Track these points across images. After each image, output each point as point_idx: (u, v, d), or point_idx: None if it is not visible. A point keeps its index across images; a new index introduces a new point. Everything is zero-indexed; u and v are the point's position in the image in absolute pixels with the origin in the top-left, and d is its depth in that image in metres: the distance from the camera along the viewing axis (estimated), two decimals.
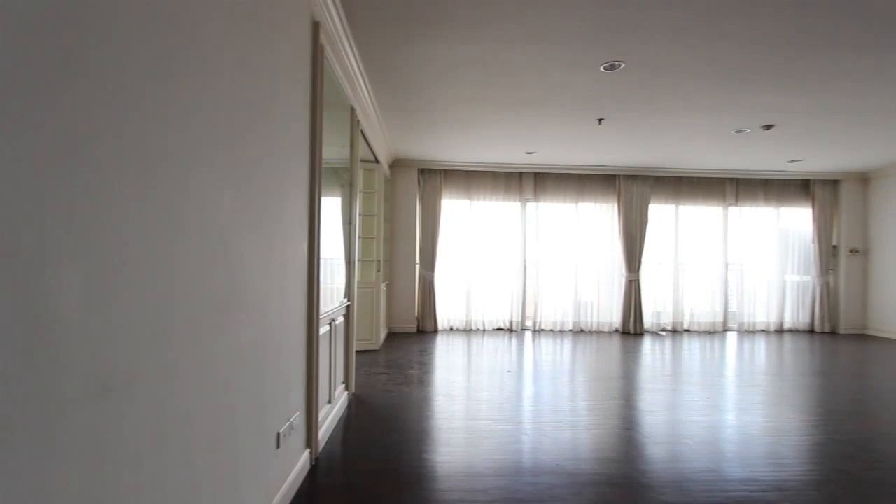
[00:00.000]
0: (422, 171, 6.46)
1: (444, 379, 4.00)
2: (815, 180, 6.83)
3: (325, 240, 2.62)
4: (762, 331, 6.88)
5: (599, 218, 6.69)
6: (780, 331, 6.89)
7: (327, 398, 2.74)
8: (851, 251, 6.87)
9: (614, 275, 6.68)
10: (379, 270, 5.06)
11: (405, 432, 2.75)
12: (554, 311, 6.67)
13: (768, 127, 4.50)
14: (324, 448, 2.49)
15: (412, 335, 6.09)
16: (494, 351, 5.20)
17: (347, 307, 3.32)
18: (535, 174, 6.59)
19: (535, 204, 6.64)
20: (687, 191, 6.79)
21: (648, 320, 6.74)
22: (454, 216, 6.58)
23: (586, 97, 3.78)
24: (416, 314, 6.46)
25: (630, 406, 3.34)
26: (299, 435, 2.14)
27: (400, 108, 4.15)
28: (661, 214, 6.81)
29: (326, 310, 2.67)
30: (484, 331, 6.50)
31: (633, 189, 6.56)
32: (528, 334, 6.32)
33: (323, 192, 2.47)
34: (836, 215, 6.89)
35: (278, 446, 1.83)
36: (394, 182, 6.36)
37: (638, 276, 6.55)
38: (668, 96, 3.74)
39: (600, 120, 4.33)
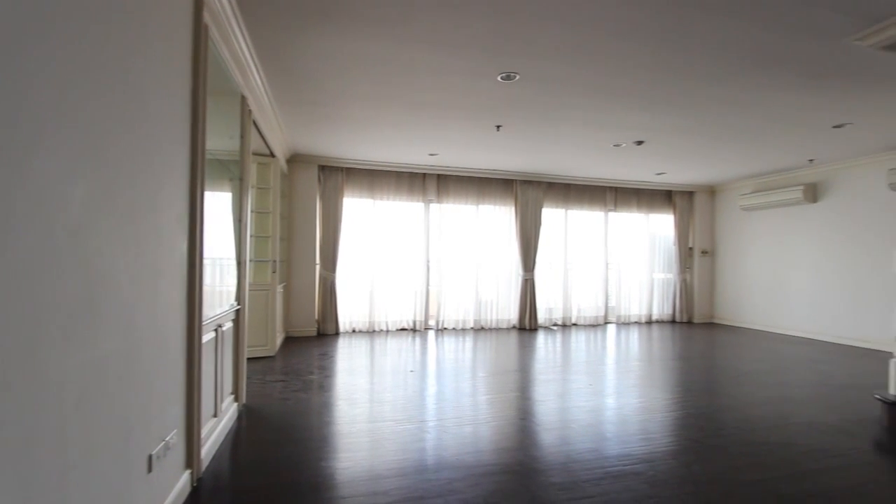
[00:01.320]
0: (322, 168, 6.22)
1: (346, 382, 3.88)
2: (675, 191, 7.90)
3: (210, 238, 2.39)
4: (636, 322, 7.78)
5: (498, 220, 7.02)
6: (649, 322, 7.85)
7: (213, 412, 2.50)
8: (703, 252, 8.07)
9: (512, 274, 7.06)
10: (275, 271, 4.75)
11: (302, 441, 2.61)
12: (456, 309, 6.85)
13: (640, 143, 5.11)
14: (208, 467, 2.27)
15: (312, 339, 5.83)
16: (398, 351, 5.19)
17: (237, 311, 3.07)
18: (439, 176, 6.71)
19: (438, 205, 6.76)
20: (575, 196, 7.43)
21: (542, 316, 7.24)
22: (357, 215, 6.44)
23: (485, 104, 3.94)
24: (317, 317, 6.19)
25: (525, 397, 3.55)
26: (177, 455, 1.92)
27: (298, 101, 3.94)
28: (553, 218, 7.36)
29: (212, 314, 2.43)
30: (387, 331, 6.45)
31: (528, 193, 7.00)
32: (431, 333, 6.41)
33: (208, 186, 2.25)
34: (692, 221, 8.04)
35: (150, 470, 1.62)
36: (292, 178, 6.03)
37: (533, 275, 7.00)
38: (558, 109, 4.04)
39: (498, 127, 4.54)
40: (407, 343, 5.69)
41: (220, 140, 2.68)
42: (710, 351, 5.51)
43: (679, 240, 7.89)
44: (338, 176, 6.23)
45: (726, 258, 7.84)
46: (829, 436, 2.79)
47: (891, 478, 2.31)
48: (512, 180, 7.00)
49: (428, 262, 6.73)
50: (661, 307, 7.97)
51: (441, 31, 2.70)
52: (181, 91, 1.90)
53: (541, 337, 6.30)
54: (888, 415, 2.99)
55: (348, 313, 6.40)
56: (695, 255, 8.03)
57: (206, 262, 2.20)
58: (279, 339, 5.23)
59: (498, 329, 6.90)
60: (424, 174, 6.64)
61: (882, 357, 4.28)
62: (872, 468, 2.38)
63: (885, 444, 2.70)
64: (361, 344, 5.57)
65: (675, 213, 7.89)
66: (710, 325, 7.62)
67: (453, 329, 6.78)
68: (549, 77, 3.36)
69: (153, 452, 1.64)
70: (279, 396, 3.44)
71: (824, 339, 6.11)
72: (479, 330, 6.80)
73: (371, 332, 6.37)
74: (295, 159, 6.01)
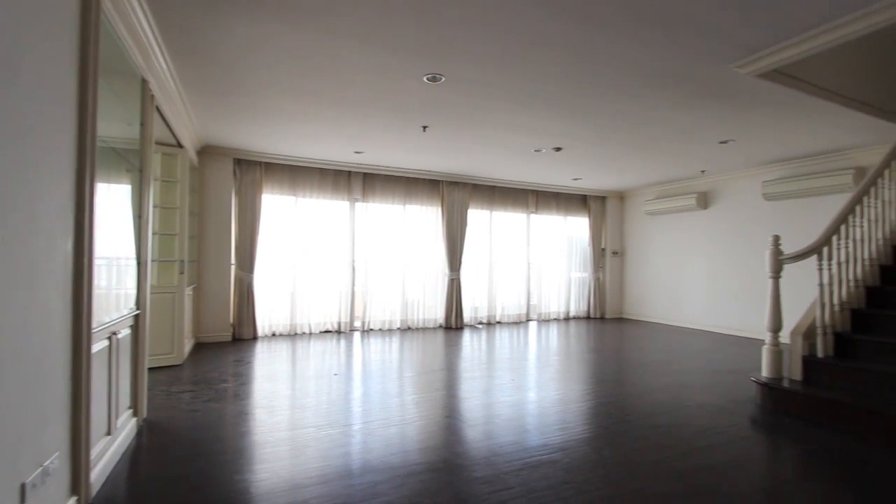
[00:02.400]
0: (239, 162, 5.83)
1: (264, 389, 3.67)
2: (590, 196, 8.47)
3: (104, 235, 2.14)
4: (555, 319, 8.22)
5: (425, 220, 7.05)
6: (567, 318, 8.33)
7: (105, 429, 2.24)
8: (613, 253, 8.73)
9: (438, 274, 7.13)
10: (182, 272, 4.37)
11: (214, 455, 2.42)
12: (383, 310, 6.78)
13: (558, 149, 5.40)
14: (100, 491, 2.03)
15: (226, 344, 5.44)
16: (321, 354, 5.01)
17: (137, 316, 2.78)
18: (365, 174, 6.59)
19: (364, 204, 6.64)
20: (499, 198, 7.68)
21: (468, 315, 7.39)
22: (277, 213, 6.12)
23: (412, 104, 3.94)
24: (232, 320, 5.80)
25: (451, 395, 3.60)
26: (60, 480, 1.69)
27: (211, 90, 3.66)
28: (479, 219, 7.55)
29: (105, 321, 2.17)
30: (310, 334, 6.21)
31: (454, 194, 7.11)
32: (356, 335, 6.28)
33: (101, 177, 2.02)
34: (604, 224, 8.66)
35: (23, 501, 1.41)
36: (203, 171, 5.58)
37: (459, 274, 7.12)
38: (482, 113, 4.15)
39: (425, 127, 4.56)
40: (331, 345, 5.51)
41: (116, 126, 2.40)
42: (619, 344, 5.97)
43: (593, 241, 8.47)
44: (256, 171, 5.88)
45: (633, 258, 8.56)
46: (715, 415, 3.15)
47: (761, 448, 2.66)
48: (439, 181, 7.07)
49: (353, 262, 6.59)
50: (577, 304, 8.50)
51: (366, 27, 2.65)
52: (65, 69, 1.67)
53: (467, 335, 6.43)
54: (761, 394, 3.45)
55: (268, 316, 6.07)
56: (607, 255, 8.66)
57: (98, 262, 1.96)
58: (188, 346, 4.82)
59: (425, 328, 6.93)
60: (350, 172, 6.49)
61: (761, 345, 4.89)
62: (748, 442, 2.72)
63: (758, 420, 3.09)
64: (282, 348, 5.31)
65: (589, 217, 8.45)
66: (620, 320, 8.27)
67: (380, 330, 6.70)
68: (474, 81, 3.44)
69: (27, 481, 1.43)
70: (187, 408, 3.16)
71: (715, 331, 6.89)
72: (406, 330, 6.78)
73: (293, 336, 6.09)
74: (207, 151, 5.58)
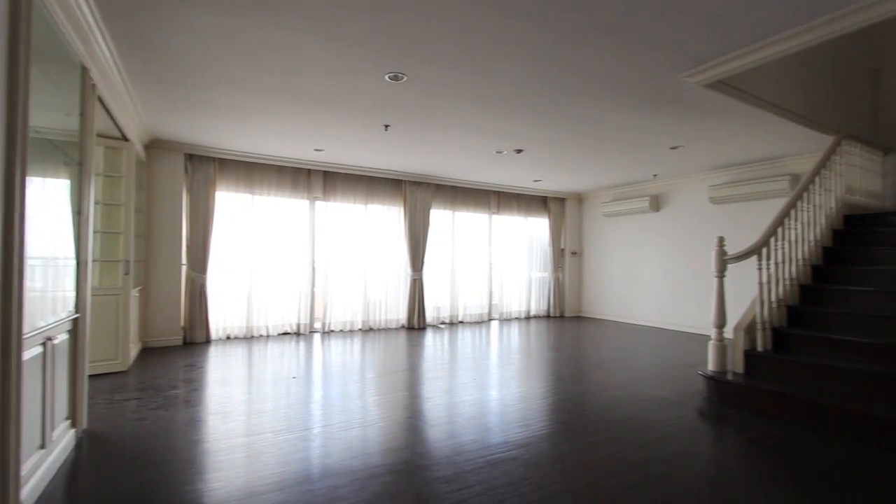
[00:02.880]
0: (190, 158, 5.57)
1: (219, 395, 3.52)
2: (550, 197, 8.67)
3: (37, 233, 1.98)
4: (516, 318, 8.35)
5: (388, 220, 6.99)
6: (528, 317, 8.49)
7: (39, 442, 2.08)
8: (572, 253, 8.98)
9: (401, 274, 7.09)
10: (128, 273, 4.13)
11: (163, 465, 2.30)
12: (344, 311, 6.66)
13: (519, 151, 5.50)
14: None
15: (177, 349, 5.18)
16: (280, 357, 4.86)
17: (76, 321, 2.60)
18: (325, 172, 6.46)
19: (324, 203, 6.50)
20: (462, 199, 7.72)
21: (430, 315, 7.39)
22: (232, 211, 5.90)
23: (374, 102, 3.89)
24: (183, 323, 5.53)
25: (413, 395, 3.58)
26: None
27: (161, 81, 3.47)
28: (441, 219, 7.56)
29: (39, 325, 2.02)
30: (268, 337, 6.02)
31: (417, 194, 7.09)
32: (317, 336, 6.14)
33: (34, 171, 1.87)
34: (564, 225, 8.89)
35: None
36: (152, 167, 5.30)
37: (421, 275, 7.11)
38: (444, 113, 4.16)
39: (387, 126, 4.52)
40: (290, 348, 5.36)
41: (52, 116, 2.24)
42: (578, 342, 6.15)
43: (553, 241, 8.67)
44: (209, 167, 5.64)
45: (591, 258, 8.83)
46: (666, 408, 3.30)
47: (708, 438, 2.81)
48: (401, 180, 7.03)
49: (313, 262, 6.44)
50: (537, 303, 8.68)
51: (327, 23, 2.60)
52: None
53: (429, 335, 6.42)
54: (707, 387, 3.64)
55: (222, 318, 5.83)
56: (566, 255, 8.90)
57: (32, 262, 1.82)
58: (134, 351, 4.56)
59: (387, 329, 6.87)
60: (310, 170, 6.34)
61: (708, 340, 5.14)
62: (696, 432, 2.87)
63: (705, 412, 3.27)
64: (237, 351, 5.11)
65: (549, 218, 8.65)
66: (579, 319, 8.51)
67: (341, 331, 6.58)
68: (436, 81, 3.44)
69: None
70: (132, 417, 2.99)
71: (667, 328, 7.22)
72: (368, 331, 6.69)
73: (249, 339, 5.88)
74: (156, 145, 5.29)
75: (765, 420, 3.08)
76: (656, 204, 7.45)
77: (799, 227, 4.02)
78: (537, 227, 8.69)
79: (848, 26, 2.48)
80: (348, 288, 6.69)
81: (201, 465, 2.32)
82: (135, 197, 4.29)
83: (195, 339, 5.52)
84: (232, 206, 5.90)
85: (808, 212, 4.10)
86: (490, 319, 8.09)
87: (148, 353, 4.95)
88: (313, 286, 6.44)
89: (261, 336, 6.03)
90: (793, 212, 3.96)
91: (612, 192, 8.30)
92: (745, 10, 2.45)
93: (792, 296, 3.91)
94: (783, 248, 3.86)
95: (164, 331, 5.35)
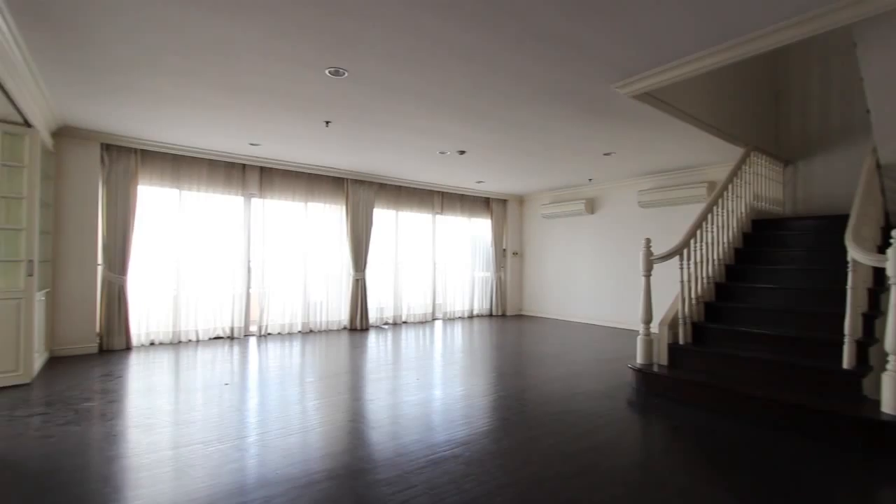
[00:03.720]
0: (108, 148, 5.10)
1: (140, 405, 3.25)
2: (492, 198, 8.86)
3: None
4: (459, 317, 8.45)
5: (329, 219, 6.81)
6: (471, 316, 8.62)
7: None
8: (514, 253, 9.23)
9: (343, 274, 6.93)
10: (31, 274, 3.70)
11: (74, 486, 2.08)
12: (282, 313, 6.41)
13: (462, 152, 5.57)
14: None
15: (92, 357, 4.72)
16: (211, 363, 4.58)
17: None
18: (262, 168, 6.17)
19: (261, 200, 6.21)
20: (406, 199, 7.69)
21: (373, 316, 7.29)
22: (156, 207, 5.47)
23: (313, 97, 3.77)
24: (99, 329, 5.05)
25: (356, 398, 3.51)
26: None
27: (70, 62, 3.14)
28: (385, 219, 7.49)
29: None
30: (198, 342, 5.65)
31: (360, 193, 6.97)
32: (252, 340, 5.85)
33: None
34: (505, 226, 9.12)
35: None
36: (61, 156, 4.79)
37: (364, 275, 6.99)
38: (388, 112, 4.12)
39: (328, 122, 4.41)
40: (223, 353, 5.07)
41: None
42: (519, 339, 6.33)
43: (495, 242, 8.87)
44: (129, 158, 5.19)
45: (532, 258, 9.14)
46: (599, 400, 3.48)
47: (636, 426, 3.00)
48: (343, 179, 6.88)
49: (249, 262, 6.13)
50: (480, 303, 8.83)
51: (261, 8, 2.48)
52: None
53: (372, 336, 6.33)
54: (636, 379, 3.89)
55: (145, 323, 5.40)
56: (507, 255, 9.13)
57: None
58: (39, 361, 4.10)
59: (328, 331, 6.69)
60: (245, 165, 6.03)
61: (637, 335, 5.45)
62: (625, 422, 3.05)
63: (634, 402, 3.48)
64: (163, 358, 4.75)
65: (492, 218, 8.84)
66: (520, 317, 8.76)
67: (279, 334, 6.32)
68: (379, 80, 3.40)
69: None
70: (37, 434, 2.69)
71: (602, 324, 7.62)
72: (308, 333, 6.48)
73: (176, 344, 5.49)
74: (67, 133, 4.79)
75: (686, 407, 3.34)
76: (591, 207, 7.84)
77: (715, 230, 4.40)
78: (480, 228, 8.85)
79: (751, 50, 2.76)
80: (287, 289, 6.44)
81: (120, 484, 2.14)
82: (39, 189, 3.86)
83: (113, 347, 5.06)
84: (156, 201, 5.47)
85: (722, 216, 4.50)
86: (434, 319, 8.12)
87: (56, 362, 4.47)
88: (249, 287, 6.13)
89: (189, 341, 5.65)
90: (710, 216, 4.33)
91: (550, 195, 8.63)
92: (668, 29, 2.64)
93: (709, 293, 4.27)
94: (701, 249, 4.21)
95: (75, 338, 4.86)
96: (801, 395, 3.04)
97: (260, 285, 6.21)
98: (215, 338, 5.86)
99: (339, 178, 6.83)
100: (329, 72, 3.25)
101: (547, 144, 5.20)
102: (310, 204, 6.61)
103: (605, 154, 5.61)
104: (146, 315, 5.41)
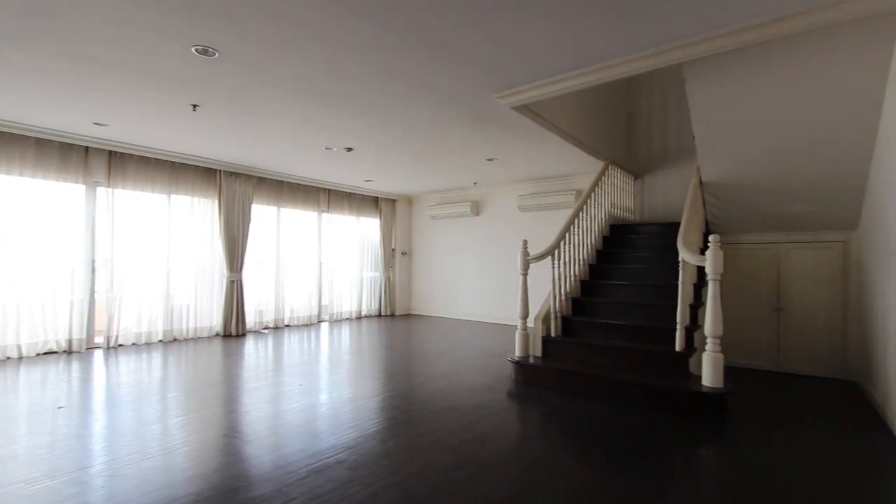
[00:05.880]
0: None
1: None
2: (381, 198, 8.80)
3: None
4: (347, 319, 8.23)
5: (198, 214, 6.13)
6: (359, 317, 8.45)
7: None
8: (403, 253, 9.28)
9: (215, 275, 6.29)
10: None
11: None
12: (138, 320, 5.59)
13: (350, 150, 5.43)
14: None
15: None
16: (41, 384, 3.80)
17: None
18: (111, 153, 5.31)
19: (108, 190, 5.33)
20: (288, 195, 7.25)
21: (251, 320, 6.74)
22: None
23: (177, 77, 3.36)
24: None
25: (230, 410, 3.21)
26: None
27: None
28: (265, 215, 6.97)
29: None
30: (20, 359, 4.65)
31: (235, 187, 6.39)
32: (98, 353, 5.00)
33: None
34: (394, 226, 9.12)
35: None
36: None
37: (241, 275, 6.43)
38: (267, 100, 3.84)
39: (195, 106, 3.96)
40: (56, 371, 4.24)
41: None
42: (407, 338, 6.38)
43: (384, 241, 8.82)
44: None
45: (420, 258, 9.27)
46: (482, 393, 3.66)
47: (514, 415, 3.22)
48: (215, 169, 6.24)
49: (93, 261, 5.24)
50: (369, 303, 8.71)
51: None
52: None
53: (250, 342, 5.85)
54: (514, 371, 4.18)
55: None
56: (396, 255, 9.15)
57: None
58: None
59: (197, 338, 6.01)
60: (88, 147, 5.14)
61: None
62: (505, 412, 3.26)
63: (513, 393, 3.74)
64: None
65: (380, 218, 8.77)
66: (409, 316, 8.84)
67: (134, 344, 5.50)
68: (256, 65, 3.15)
69: None
70: None
71: (487, 321, 8.03)
72: (172, 342, 5.75)
73: None
74: None
75: (557, 394, 3.68)
76: (477, 209, 8.23)
77: (580, 233, 4.92)
78: (369, 227, 8.73)
79: (609, 76, 3.16)
80: (146, 292, 5.63)
81: None
82: None
83: None
84: None
85: (586, 221, 5.05)
86: (320, 321, 7.79)
87: None
88: (93, 291, 5.23)
89: (8, 358, 4.63)
90: (576, 220, 4.83)
91: (439, 196, 8.85)
92: (542, 48, 2.88)
93: (576, 289, 4.76)
94: (570, 250, 4.67)
95: None
96: (646, 375, 3.55)
97: (108, 289, 5.33)
98: (47, 353, 4.88)
99: (210, 168, 6.18)
100: (196, 50, 2.92)
101: (434, 147, 5.33)
102: (174, 196, 5.87)
103: (488, 160, 5.92)
104: None
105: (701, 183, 4.40)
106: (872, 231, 3.55)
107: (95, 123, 4.51)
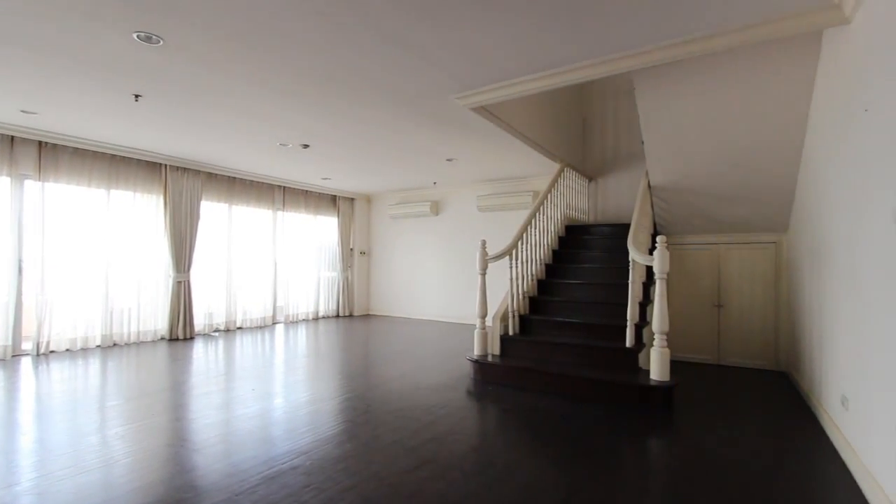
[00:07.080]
0: None
1: None
2: (340, 196, 8.63)
3: None
4: (304, 320, 8.02)
5: (141, 210, 5.78)
6: (316, 318, 8.25)
7: None
8: (361, 253, 9.14)
9: (160, 275, 5.95)
10: None
11: None
12: (73, 325, 5.20)
13: (306, 146, 5.29)
14: None
15: None
16: None
17: None
18: (41, 143, 4.91)
19: (38, 183, 4.92)
20: (240, 192, 6.97)
21: (200, 322, 6.43)
22: None
23: (117, 64, 3.14)
24: None
25: (176, 418, 3.04)
26: None
27: None
28: (215, 213, 6.67)
29: None
30: None
31: (182, 182, 6.07)
32: (26, 361, 4.61)
33: None
34: (353, 225, 8.98)
35: None
36: None
37: (189, 276, 6.12)
38: (215, 93, 3.67)
39: (137, 96, 3.73)
40: None
41: None
42: (366, 339, 6.30)
43: (342, 241, 8.66)
44: None
45: (379, 258, 9.18)
46: (441, 393, 3.67)
47: (473, 413, 3.25)
48: (160, 164, 5.90)
49: (20, 261, 4.82)
50: (326, 304, 8.52)
51: None
52: None
53: (199, 346, 5.58)
54: (473, 369, 4.21)
55: None
56: (355, 255, 9.01)
57: None
58: None
59: (140, 343, 5.67)
60: (13, 137, 4.72)
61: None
62: (463, 410, 3.28)
63: (472, 391, 3.77)
64: None
65: (338, 217, 8.61)
66: (368, 317, 8.72)
67: (69, 350, 5.11)
68: (205, 55, 3.00)
69: None
70: None
71: (446, 321, 8.04)
72: (112, 347, 5.39)
73: None
74: None
75: (515, 391, 3.75)
76: (436, 209, 8.24)
77: (537, 233, 5.04)
78: (327, 226, 8.54)
79: (562, 81, 3.26)
80: (81, 295, 5.25)
81: None
82: None
83: None
84: None
85: (543, 222, 5.18)
86: (275, 323, 7.55)
87: None
88: (20, 294, 4.82)
89: None
90: (533, 221, 4.94)
91: (398, 196, 8.79)
92: (497, 52, 2.93)
93: (533, 289, 4.87)
94: (527, 250, 4.77)
95: None
96: (599, 371, 3.68)
97: (38, 291, 4.93)
98: None
99: (154, 162, 5.84)
100: (137, 36, 2.74)
101: (392, 145, 5.28)
102: (114, 192, 5.50)
103: (448, 160, 5.94)
104: None
105: (649, 186, 4.61)
106: (800, 233, 3.85)
107: (22, 111, 4.15)
